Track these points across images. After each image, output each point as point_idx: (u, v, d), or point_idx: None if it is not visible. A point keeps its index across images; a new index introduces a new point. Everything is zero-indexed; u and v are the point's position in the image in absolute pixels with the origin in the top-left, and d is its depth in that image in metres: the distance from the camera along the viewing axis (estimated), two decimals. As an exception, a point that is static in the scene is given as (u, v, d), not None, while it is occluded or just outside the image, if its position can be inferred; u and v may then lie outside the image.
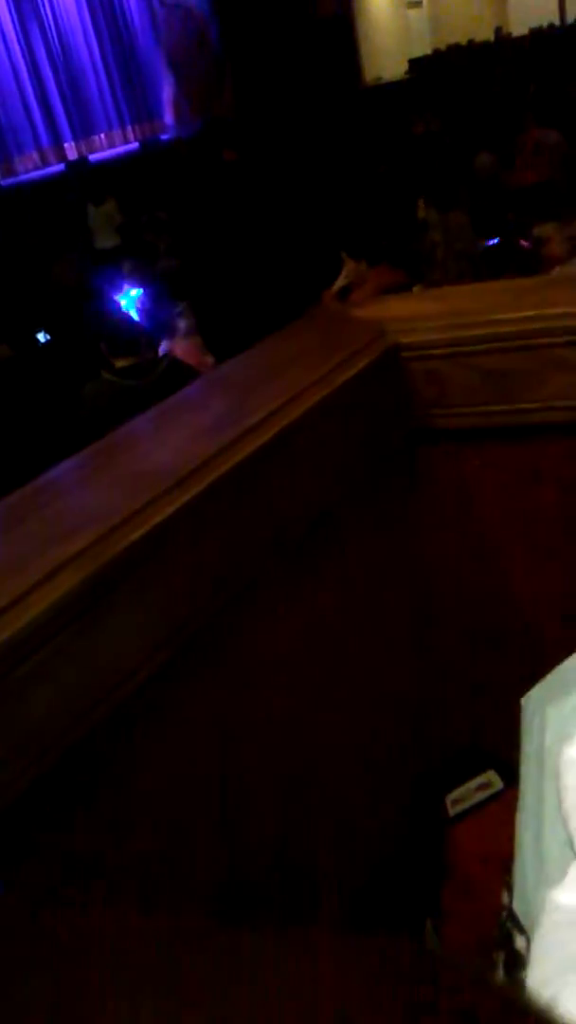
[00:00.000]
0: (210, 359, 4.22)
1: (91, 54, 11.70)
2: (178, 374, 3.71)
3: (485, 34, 13.67)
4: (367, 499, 0.88)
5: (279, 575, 0.77)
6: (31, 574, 0.54)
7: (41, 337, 4.73)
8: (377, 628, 0.93)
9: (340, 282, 4.32)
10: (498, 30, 13.08)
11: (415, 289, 3.72)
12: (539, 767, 0.58)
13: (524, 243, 4.36)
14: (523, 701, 0.63)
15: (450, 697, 1.01)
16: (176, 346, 4.25)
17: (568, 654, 0.65)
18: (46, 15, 11.13)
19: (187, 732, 0.70)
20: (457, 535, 0.95)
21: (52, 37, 11.22)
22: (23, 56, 10.94)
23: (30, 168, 10.94)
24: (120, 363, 3.54)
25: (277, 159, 7.94)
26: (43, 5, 11.08)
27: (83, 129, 11.57)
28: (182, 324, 4.33)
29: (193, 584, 0.67)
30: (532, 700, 0.62)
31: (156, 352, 3.57)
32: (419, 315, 0.90)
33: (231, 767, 0.75)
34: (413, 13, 15.19)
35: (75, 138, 11.47)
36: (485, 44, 12.98)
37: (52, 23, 11.20)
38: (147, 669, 0.62)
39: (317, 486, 0.81)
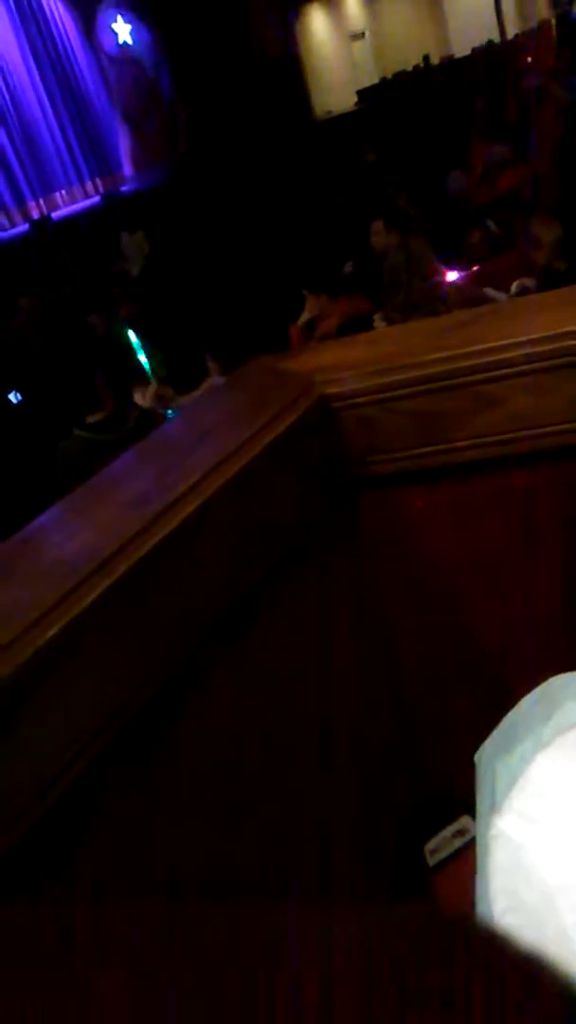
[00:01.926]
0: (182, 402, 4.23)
1: (44, 113, 11.89)
2: (150, 424, 3.72)
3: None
4: (310, 555, 0.87)
5: (218, 651, 0.76)
6: None
7: (13, 398, 4.74)
8: (337, 682, 0.92)
9: (304, 317, 4.36)
10: (426, 58, 13.36)
11: (377, 315, 3.75)
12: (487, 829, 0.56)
13: (493, 227, 4.40)
14: (476, 757, 0.62)
15: (422, 743, 1.00)
16: (138, 392, 4.24)
17: (521, 689, 0.63)
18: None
19: (120, 833, 0.68)
20: (409, 579, 0.94)
21: (3, 100, 11.41)
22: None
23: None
24: (92, 418, 3.55)
25: (233, 200, 8.05)
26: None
27: (43, 187, 11.72)
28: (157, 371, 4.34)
29: (120, 676, 0.66)
30: (484, 755, 0.61)
31: (124, 404, 3.58)
32: (347, 363, 0.90)
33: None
34: (357, 45, 15.52)
35: (35, 196, 11.61)
36: (427, 67, 13.24)
37: (2, 86, 11.39)
38: (74, 772, 0.60)
39: (253, 551, 0.80)
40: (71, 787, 0.60)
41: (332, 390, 0.87)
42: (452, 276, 3.83)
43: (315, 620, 0.87)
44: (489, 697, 0.95)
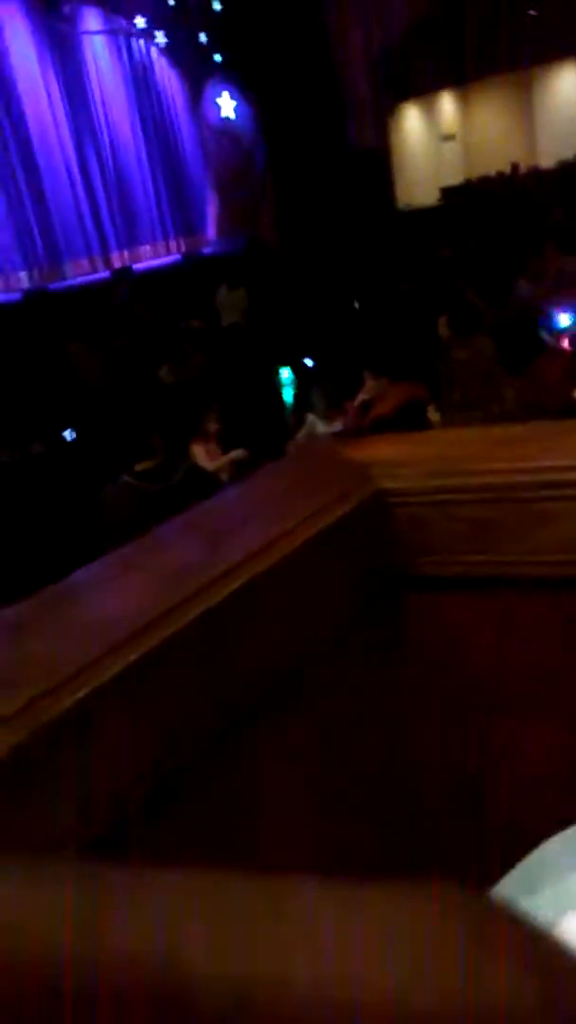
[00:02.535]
0: (217, 462, 4.29)
1: (141, 171, 12.43)
2: (196, 480, 3.75)
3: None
4: (347, 648, 0.85)
5: (243, 738, 0.73)
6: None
7: (68, 435, 4.83)
8: (358, 784, 0.88)
9: (361, 397, 4.41)
10: (515, 166, 13.77)
11: (431, 406, 3.78)
12: None
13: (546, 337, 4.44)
14: (490, 894, 0.58)
15: (433, 860, 0.95)
16: (198, 447, 4.33)
17: (548, 828, 0.60)
18: (102, 134, 11.90)
19: None
20: (445, 687, 0.91)
21: (106, 155, 11.96)
22: (79, 171, 11.63)
23: (79, 273, 11.48)
24: (140, 466, 3.59)
25: (311, 276, 8.28)
26: (99, 125, 11.87)
27: (129, 240, 12.17)
28: (212, 427, 4.42)
29: (141, 749, 0.64)
30: (499, 893, 0.57)
31: (174, 457, 3.62)
32: (405, 460, 0.89)
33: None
34: (447, 146, 16.04)
35: (120, 247, 12.05)
36: (513, 175, 13.61)
37: (107, 142, 11.96)
38: (81, 844, 0.58)
39: (292, 637, 0.78)
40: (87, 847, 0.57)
41: (388, 484, 0.86)
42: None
43: (344, 717, 0.84)
44: (509, 825, 0.91)
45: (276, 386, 4.72)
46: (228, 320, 7.43)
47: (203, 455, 4.21)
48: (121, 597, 0.72)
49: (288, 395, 4.59)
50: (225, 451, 4.29)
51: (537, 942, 0.17)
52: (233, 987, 0.15)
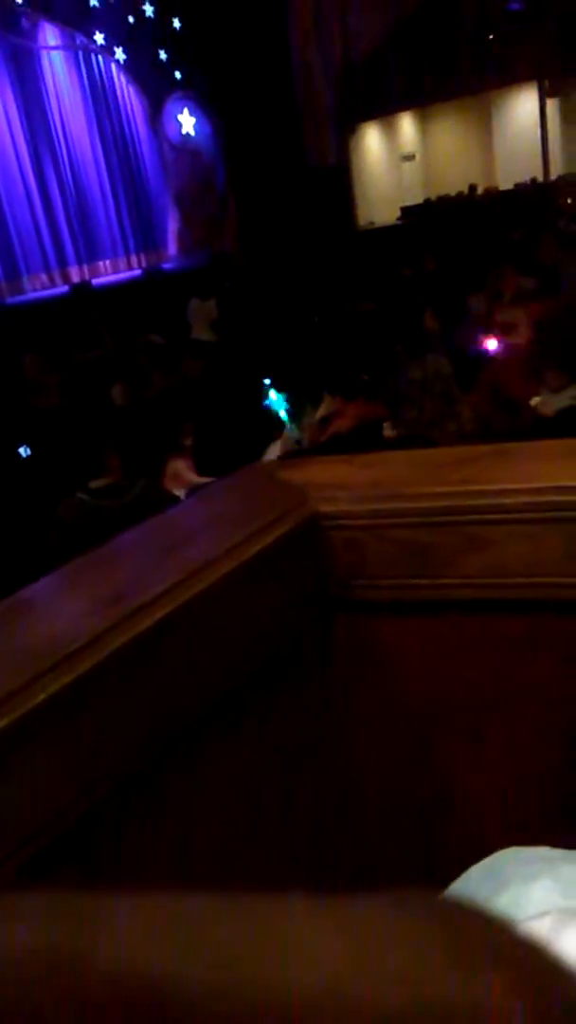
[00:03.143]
0: (196, 479, 4.28)
1: (101, 186, 12.40)
2: (153, 497, 3.73)
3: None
4: (282, 670, 0.85)
5: (175, 762, 0.73)
6: None
7: (23, 451, 4.78)
8: (292, 808, 0.88)
9: (320, 412, 4.43)
10: (472, 187, 14.04)
11: (387, 424, 3.81)
12: None
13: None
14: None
15: (370, 883, 0.95)
16: (172, 464, 4.27)
17: (483, 845, 0.60)
18: (60, 149, 11.86)
19: None
20: (379, 711, 0.92)
21: (65, 170, 11.91)
22: (36, 186, 11.57)
23: (37, 288, 11.40)
24: (95, 483, 3.56)
25: (270, 292, 8.32)
26: (58, 140, 11.83)
27: (88, 255, 12.13)
28: (187, 441, 4.38)
29: (70, 775, 0.63)
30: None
31: (129, 474, 3.60)
32: (342, 482, 0.90)
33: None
34: (406, 166, 16.28)
35: (80, 262, 12.00)
36: (472, 195, 13.86)
37: (65, 157, 11.92)
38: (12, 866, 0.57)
39: (227, 659, 0.78)
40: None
41: (324, 508, 0.87)
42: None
43: (276, 741, 0.84)
44: (446, 847, 0.91)
45: (255, 400, 4.73)
46: (198, 333, 7.43)
47: (184, 470, 4.16)
48: (57, 620, 0.71)
49: (278, 405, 4.59)
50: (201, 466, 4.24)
51: (517, 945, 0.18)
52: (218, 1004, 0.15)
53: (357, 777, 0.91)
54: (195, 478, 4.18)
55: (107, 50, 11.96)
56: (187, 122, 13.05)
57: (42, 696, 0.61)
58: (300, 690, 0.87)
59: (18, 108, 11.23)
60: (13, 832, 0.59)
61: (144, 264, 12.53)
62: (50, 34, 11.57)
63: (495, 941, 0.18)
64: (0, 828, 0.59)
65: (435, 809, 0.94)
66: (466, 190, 14.28)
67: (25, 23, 11.02)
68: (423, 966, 0.16)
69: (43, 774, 0.62)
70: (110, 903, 0.18)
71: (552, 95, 14.83)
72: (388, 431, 3.91)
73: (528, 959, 0.17)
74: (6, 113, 11.09)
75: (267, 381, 5.06)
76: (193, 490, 3.97)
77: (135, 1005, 0.15)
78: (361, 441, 3.66)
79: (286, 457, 3.56)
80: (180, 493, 3.99)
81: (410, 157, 16.43)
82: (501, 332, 4.78)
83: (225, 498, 0.94)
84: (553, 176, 14.36)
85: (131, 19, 11.82)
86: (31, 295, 11.06)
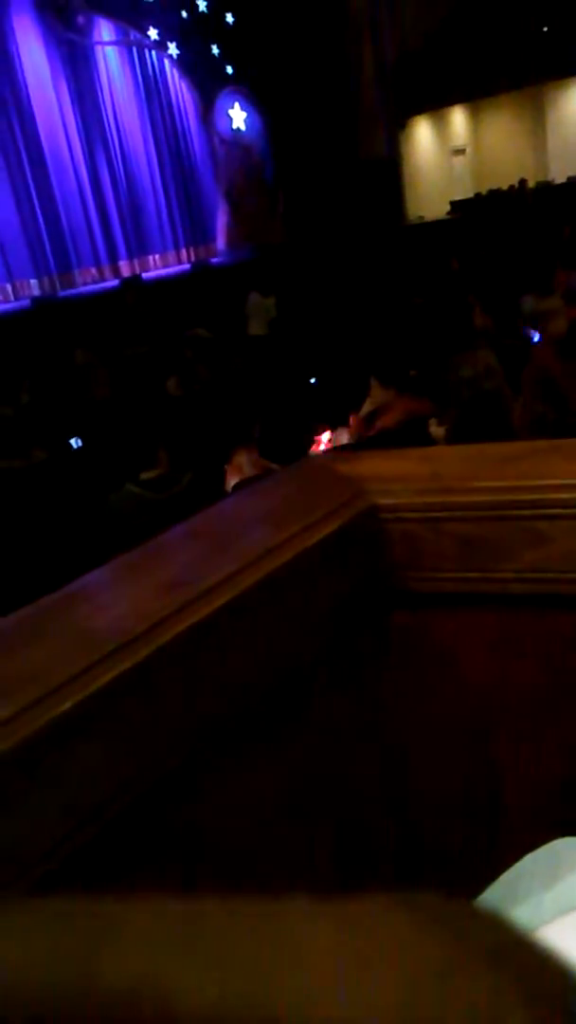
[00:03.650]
0: (257, 471, 4.23)
1: (152, 180, 12.50)
2: (201, 488, 3.76)
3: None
4: (335, 662, 0.86)
5: (233, 744, 0.74)
6: None
7: (74, 443, 4.85)
8: (344, 797, 0.88)
9: (367, 407, 4.41)
10: (523, 181, 13.79)
11: (432, 421, 3.78)
12: None
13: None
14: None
15: (418, 870, 0.95)
16: (238, 455, 4.22)
17: (536, 844, 0.60)
18: (113, 144, 11.98)
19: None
20: (433, 703, 0.92)
21: (117, 164, 12.04)
22: (89, 180, 11.71)
23: (88, 281, 11.54)
24: (145, 475, 3.61)
25: (320, 284, 8.32)
26: (111, 135, 11.95)
27: (139, 248, 12.24)
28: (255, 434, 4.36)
29: (138, 751, 0.65)
30: (483, 904, 0.58)
31: (179, 466, 3.63)
32: (400, 476, 0.90)
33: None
34: (457, 159, 16.10)
35: (130, 256, 12.12)
36: (523, 190, 13.65)
37: (118, 151, 12.04)
38: (78, 840, 0.59)
39: (281, 650, 0.78)
40: (72, 853, 0.58)
41: (382, 500, 0.87)
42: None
43: (332, 730, 0.85)
44: (496, 840, 0.91)
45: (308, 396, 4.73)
46: (255, 330, 7.42)
47: (247, 464, 4.13)
48: (115, 607, 0.73)
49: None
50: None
51: (525, 949, 0.18)
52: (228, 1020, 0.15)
53: (409, 770, 0.92)
54: (257, 470, 4.15)
55: (160, 45, 12.06)
56: (238, 116, 13.09)
57: (104, 680, 0.62)
58: (356, 680, 0.87)
59: (72, 103, 11.38)
60: (74, 812, 0.61)
61: (193, 258, 12.61)
62: (105, 30, 11.69)
63: (499, 944, 0.17)
64: (61, 810, 0.60)
65: (487, 805, 0.94)
66: (517, 184, 14.08)
67: (80, 19, 11.15)
68: (422, 969, 0.16)
69: (100, 758, 0.64)
70: (122, 912, 0.18)
71: (608, 88, 14.53)
72: (434, 428, 3.88)
73: (532, 963, 0.17)
74: (60, 108, 11.24)
75: (312, 381, 5.06)
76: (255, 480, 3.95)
77: (144, 1022, 0.16)
78: (408, 437, 3.64)
79: (338, 450, 3.55)
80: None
81: (461, 151, 16.25)
82: (539, 322, 4.72)
83: (283, 489, 0.95)
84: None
85: (184, 14, 11.89)
86: (82, 288, 11.21)
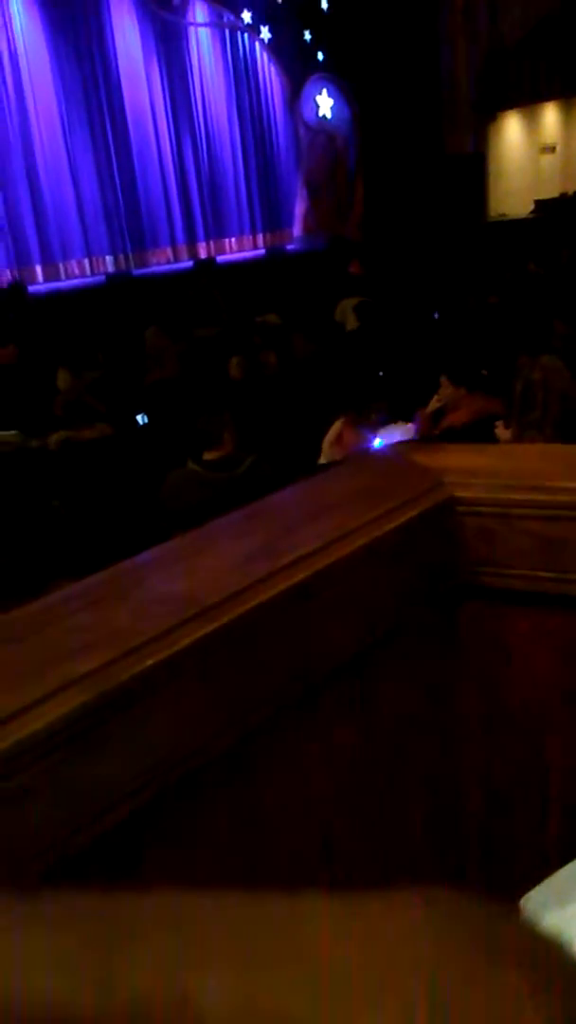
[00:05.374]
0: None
1: (234, 164, 12.52)
2: (259, 473, 3.78)
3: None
4: (403, 651, 0.86)
5: (297, 718, 0.75)
6: (30, 691, 0.54)
7: (140, 419, 4.92)
8: (395, 784, 0.89)
9: (434, 404, 4.37)
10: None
11: (500, 423, 3.73)
12: None
13: None
14: (522, 902, 0.59)
15: (472, 864, 0.95)
16: (336, 425, 4.17)
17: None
18: (199, 125, 12.03)
19: (185, 869, 0.68)
20: (497, 699, 0.92)
21: (201, 145, 12.09)
22: (173, 160, 11.79)
23: (163, 261, 11.63)
24: (207, 455, 3.64)
25: (396, 277, 8.25)
26: (197, 116, 12.00)
27: (216, 231, 12.29)
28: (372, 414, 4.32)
29: (202, 718, 0.66)
30: (531, 902, 0.58)
31: (242, 447, 3.65)
32: (478, 470, 0.89)
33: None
34: (545, 158, 15.74)
35: (207, 238, 12.18)
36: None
37: (203, 133, 12.09)
38: (136, 803, 0.60)
39: (349, 633, 0.79)
40: (137, 810, 0.60)
41: (459, 493, 0.87)
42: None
43: (394, 719, 0.85)
44: (544, 841, 0.91)
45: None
46: (351, 326, 7.34)
47: (348, 433, 4.06)
48: (190, 578, 0.74)
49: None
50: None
51: (543, 948, 0.17)
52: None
53: (466, 764, 0.92)
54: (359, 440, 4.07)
55: (253, 28, 12.04)
56: (324, 104, 13.01)
57: (184, 643, 0.64)
58: (421, 667, 0.88)
59: (162, 83, 11.45)
60: (149, 770, 0.62)
61: (268, 244, 12.61)
62: (199, 11, 11.73)
63: (519, 942, 0.17)
64: (136, 764, 0.62)
65: (537, 800, 0.93)
66: (606, 187, 13.72)
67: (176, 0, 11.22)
68: (443, 974, 0.16)
69: (179, 717, 0.65)
70: (141, 910, 0.18)
71: None
72: (500, 430, 3.83)
73: (554, 962, 0.17)
74: (150, 88, 11.32)
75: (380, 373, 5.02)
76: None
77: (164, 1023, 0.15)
78: (474, 437, 3.60)
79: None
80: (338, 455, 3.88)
81: (550, 149, 15.89)
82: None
83: (363, 475, 0.95)
84: None
85: (279, -1, 11.85)
86: (155, 268, 11.31)
